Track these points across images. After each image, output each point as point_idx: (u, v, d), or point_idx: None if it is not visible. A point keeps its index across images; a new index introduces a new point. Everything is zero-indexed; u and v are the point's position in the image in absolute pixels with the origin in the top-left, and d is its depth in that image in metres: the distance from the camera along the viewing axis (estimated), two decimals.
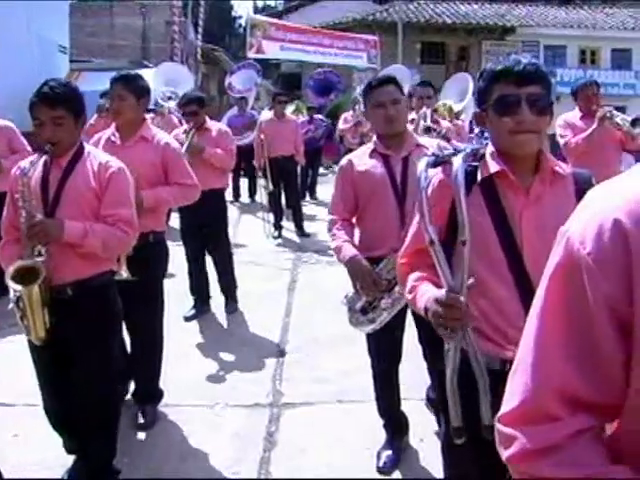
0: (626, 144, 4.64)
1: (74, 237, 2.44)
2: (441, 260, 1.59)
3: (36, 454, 2.95)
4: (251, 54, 13.78)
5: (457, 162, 1.63)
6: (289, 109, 10.52)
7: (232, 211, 7.55)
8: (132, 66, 10.19)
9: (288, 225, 7.85)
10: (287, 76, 23.41)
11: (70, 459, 2.80)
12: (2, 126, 5.00)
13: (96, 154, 2.64)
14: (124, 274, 2.94)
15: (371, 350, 2.92)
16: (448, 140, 4.02)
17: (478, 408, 1.67)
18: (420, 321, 2.43)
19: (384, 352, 2.88)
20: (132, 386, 3.46)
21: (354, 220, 2.88)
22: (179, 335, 4.27)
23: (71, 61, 10.71)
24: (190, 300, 4.97)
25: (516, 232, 1.69)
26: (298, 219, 7.79)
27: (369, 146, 2.88)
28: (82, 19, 16.40)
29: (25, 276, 2.36)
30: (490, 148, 1.76)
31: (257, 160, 7.49)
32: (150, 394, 3.41)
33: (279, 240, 7.47)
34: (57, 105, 2.44)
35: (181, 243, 4.96)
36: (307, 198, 10.03)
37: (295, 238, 7.60)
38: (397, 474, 2.87)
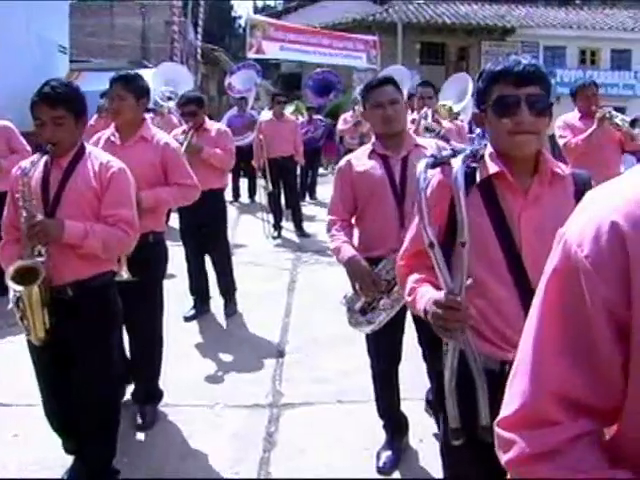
0: (625, 144, 4.64)
1: (74, 237, 2.43)
2: (440, 262, 1.58)
3: (36, 454, 2.95)
4: (251, 54, 13.79)
5: (457, 163, 1.63)
6: (289, 109, 10.53)
7: (232, 211, 7.56)
8: (132, 66, 10.18)
9: (288, 225, 7.86)
10: (287, 76, 23.42)
11: (70, 459, 2.80)
12: (1, 126, 5.01)
13: (97, 154, 2.64)
14: (125, 275, 2.95)
15: (371, 350, 2.92)
16: (447, 141, 4.02)
17: (476, 409, 1.67)
18: (419, 322, 2.43)
19: (384, 352, 2.88)
20: (131, 387, 3.45)
21: (353, 221, 2.88)
22: (179, 335, 4.27)
23: (71, 61, 10.72)
24: (190, 300, 4.97)
25: (515, 233, 1.69)
26: (297, 219, 7.79)
27: (368, 147, 2.88)
28: (82, 19, 16.39)
29: (25, 276, 2.35)
30: (489, 149, 1.75)
31: (256, 160, 7.49)
32: (150, 394, 3.41)
33: (279, 240, 7.47)
34: (58, 105, 2.44)
35: (181, 243, 4.96)
36: (307, 198, 10.03)
37: (295, 238, 7.60)
38: (397, 474, 2.87)
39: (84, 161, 2.56)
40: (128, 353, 3.38)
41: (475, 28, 21.11)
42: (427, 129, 4.68)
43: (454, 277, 1.60)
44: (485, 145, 1.79)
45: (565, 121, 4.76)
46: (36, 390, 2.68)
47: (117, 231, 2.54)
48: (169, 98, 7.97)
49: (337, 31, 17.44)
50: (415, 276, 1.80)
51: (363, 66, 16.12)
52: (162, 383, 3.46)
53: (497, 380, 1.37)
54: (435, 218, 1.65)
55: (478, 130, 7.02)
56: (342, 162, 2.91)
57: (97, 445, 2.62)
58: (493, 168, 1.71)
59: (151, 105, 6.55)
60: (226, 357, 4.19)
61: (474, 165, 1.74)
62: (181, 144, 4.17)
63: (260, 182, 7.91)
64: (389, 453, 2.92)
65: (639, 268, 0.74)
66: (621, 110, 7.06)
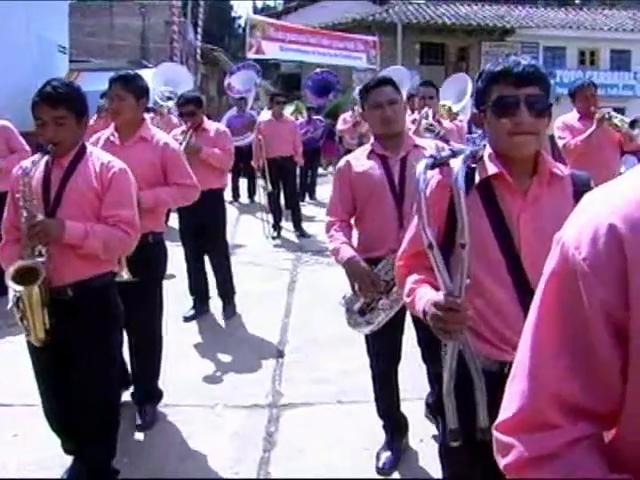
0: (624, 145, 4.64)
1: (75, 237, 2.43)
2: (439, 263, 1.58)
3: (35, 454, 2.95)
4: (250, 54, 13.80)
5: (457, 165, 1.63)
6: (289, 109, 10.54)
7: (231, 211, 7.56)
8: (131, 66, 10.18)
9: (287, 226, 7.86)
10: (286, 76, 23.42)
11: (69, 459, 2.80)
12: (0, 126, 5.00)
13: (98, 154, 2.63)
14: (125, 275, 2.95)
15: (370, 351, 2.92)
16: (447, 141, 4.02)
17: (475, 410, 1.67)
18: (418, 323, 2.43)
19: (383, 353, 2.88)
20: (131, 387, 3.45)
21: (352, 221, 2.88)
22: (178, 335, 4.28)
23: (70, 61, 10.72)
24: (189, 300, 4.97)
25: (514, 234, 1.68)
26: (297, 220, 7.79)
27: (367, 147, 2.88)
28: (81, 19, 16.40)
29: (25, 276, 2.35)
30: (488, 150, 1.75)
31: (255, 161, 7.50)
32: (149, 394, 3.41)
33: (278, 240, 7.48)
34: (59, 105, 2.43)
35: (180, 243, 4.96)
36: (306, 199, 10.04)
37: (294, 239, 7.61)
38: (396, 475, 2.88)
39: (85, 161, 2.56)
40: (127, 356, 3.37)
41: (475, 29, 21.12)
42: (428, 129, 4.68)
43: (453, 278, 1.59)
44: (484, 146, 1.79)
45: (564, 122, 4.75)
46: (35, 390, 2.68)
47: (118, 231, 2.54)
48: (168, 98, 7.98)
49: (337, 31, 17.44)
50: (414, 277, 1.80)
51: (363, 66, 16.13)
52: (162, 383, 3.46)
53: (496, 381, 1.36)
54: (434, 218, 1.65)
55: (480, 131, 7.01)
56: (341, 163, 2.91)
57: (97, 445, 2.62)
58: (492, 169, 1.70)
59: (150, 105, 6.56)
60: (226, 357, 4.19)
61: (473, 166, 1.74)
62: (180, 144, 4.17)
63: (259, 182, 7.92)
64: (389, 453, 2.92)
65: (636, 270, 0.74)
66: (620, 111, 7.06)
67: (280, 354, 4.22)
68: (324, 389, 3.65)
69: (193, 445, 3.13)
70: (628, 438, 0.81)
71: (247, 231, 7.78)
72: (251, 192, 9.82)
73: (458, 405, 1.67)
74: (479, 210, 1.69)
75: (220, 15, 36.89)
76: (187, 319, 4.83)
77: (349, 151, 5.70)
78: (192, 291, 5.01)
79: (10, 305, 2.46)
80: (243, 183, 9.93)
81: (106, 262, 2.61)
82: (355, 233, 2.89)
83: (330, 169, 12.89)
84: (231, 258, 5.25)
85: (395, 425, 3.00)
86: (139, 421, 3.29)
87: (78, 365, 2.53)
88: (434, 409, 2.85)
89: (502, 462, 0.86)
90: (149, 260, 3.22)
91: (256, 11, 37.26)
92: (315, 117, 10.65)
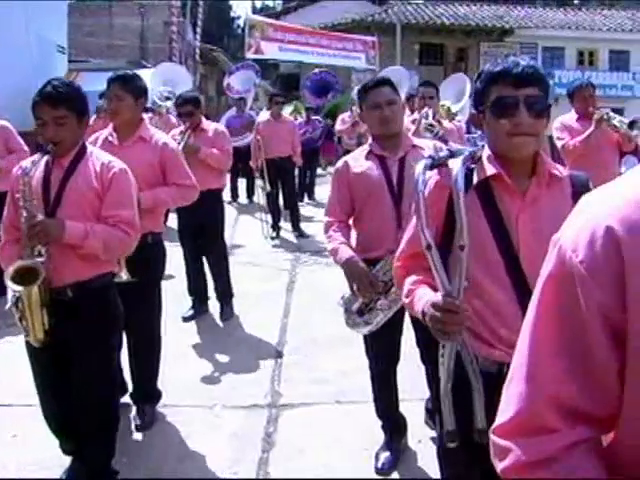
0: (623, 146, 4.64)
1: (75, 237, 2.43)
2: (438, 264, 1.58)
3: (35, 454, 2.95)
4: (249, 55, 13.81)
5: (457, 166, 1.63)
6: (287, 110, 10.54)
7: (230, 212, 7.56)
8: (130, 66, 10.20)
9: (286, 226, 7.86)
10: (286, 77, 23.42)
11: (68, 459, 2.80)
12: None
13: (98, 154, 2.63)
14: (124, 276, 2.94)
15: (369, 351, 2.92)
16: (445, 142, 4.02)
17: (472, 412, 1.68)
18: (417, 324, 2.43)
19: (382, 353, 2.89)
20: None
21: (351, 222, 2.88)
22: (177, 335, 4.28)
23: (69, 61, 10.72)
24: (188, 301, 4.97)
25: (513, 235, 1.68)
26: (295, 220, 7.79)
27: (365, 147, 2.87)
28: (80, 19, 16.40)
29: (25, 276, 2.35)
30: (487, 150, 1.75)
31: (254, 161, 7.50)
32: (148, 394, 3.41)
33: (277, 241, 7.48)
34: (59, 105, 2.43)
35: (179, 244, 4.96)
36: (305, 199, 10.04)
37: (293, 239, 7.61)
38: (395, 475, 2.88)
39: (85, 161, 2.56)
40: (124, 360, 3.36)
41: (474, 29, 21.13)
42: (427, 129, 4.68)
43: (452, 279, 1.59)
44: (483, 146, 1.79)
45: (562, 122, 4.75)
46: (35, 390, 2.68)
47: (118, 232, 2.53)
48: (167, 98, 7.98)
49: (336, 32, 17.46)
50: (413, 277, 1.80)
51: (362, 67, 16.15)
52: (160, 383, 3.46)
53: (495, 382, 1.37)
54: (432, 219, 1.65)
55: (480, 131, 7.01)
56: (339, 163, 2.91)
57: (96, 446, 2.61)
58: (490, 170, 1.70)
59: (149, 105, 6.55)
60: (224, 357, 4.19)
61: (472, 166, 1.74)
62: (178, 144, 4.17)
63: (258, 182, 7.91)
64: (388, 454, 2.92)
65: (634, 272, 0.74)
66: (619, 111, 7.07)
67: (279, 354, 4.22)
68: (323, 389, 3.65)
69: (192, 445, 3.13)
70: (626, 442, 0.81)
71: (246, 231, 7.78)
72: (250, 192, 9.82)
73: (455, 406, 1.67)
74: (477, 211, 1.69)
75: (219, 15, 36.89)
76: (186, 319, 4.83)
77: (348, 151, 5.69)
78: (191, 291, 5.01)
79: (9, 305, 2.46)
80: (242, 183, 9.93)
81: (106, 262, 2.61)
82: (353, 233, 2.89)
83: (329, 169, 12.89)
84: (230, 258, 5.25)
85: (394, 425, 3.00)
86: (138, 421, 3.29)
87: (77, 366, 2.52)
88: (432, 408, 2.85)
89: (499, 466, 0.86)
90: (148, 260, 3.22)
91: (255, 11, 37.28)
92: (314, 117, 10.65)
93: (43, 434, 2.79)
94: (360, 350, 2.98)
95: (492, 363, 1.72)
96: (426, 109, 4.89)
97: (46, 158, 2.51)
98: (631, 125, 4.50)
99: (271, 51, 14.61)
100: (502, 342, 1.69)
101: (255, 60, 13.46)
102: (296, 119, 9.82)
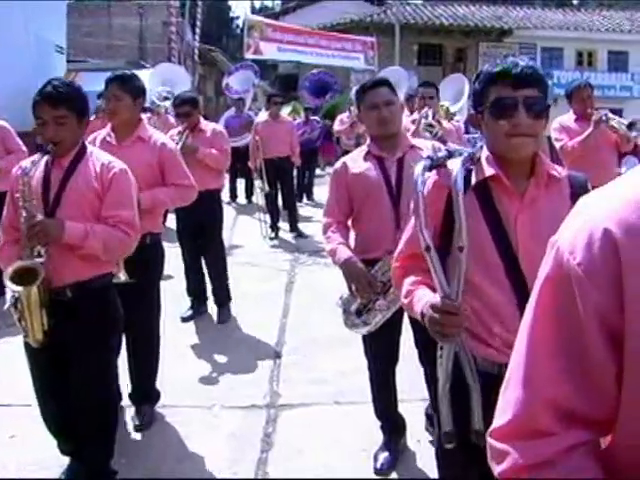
0: (621, 146, 4.64)
1: (75, 238, 2.42)
2: (436, 266, 1.58)
3: (35, 454, 2.95)
4: (248, 55, 13.81)
5: (456, 167, 1.62)
6: (286, 110, 10.54)
7: (229, 212, 7.56)
8: (129, 66, 10.20)
9: (285, 226, 7.86)
10: (284, 77, 23.42)
11: (68, 459, 2.80)
12: None
13: (98, 155, 2.62)
14: (122, 277, 2.93)
15: (368, 352, 2.92)
16: (444, 143, 4.02)
17: (470, 413, 1.68)
18: (416, 325, 2.43)
19: (381, 354, 2.89)
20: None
21: (349, 223, 2.88)
22: (176, 336, 4.28)
23: (68, 61, 10.72)
24: (187, 301, 4.97)
25: (511, 236, 1.68)
26: (293, 220, 7.78)
27: (363, 148, 2.87)
28: (79, 19, 16.40)
29: (24, 277, 2.34)
30: (485, 151, 1.75)
31: (252, 162, 7.51)
32: (147, 395, 3.41)
33: (276, 241, 7.47)
34: (59, 104, 2.43)
35: (178, 244, 4.96)
36: (304, 199, 10.04)
37: (292, 239, 7.60)
38: (394, 475, 2.88)
39: (85, 161, 2.55)
40: (122, 362, 3.35)
41: (472, 29, 21.14)
42: (426, 129, 4.68)
43: (450, 281, 1.59)
44: (481, 147, 1.79)
45: (561, 123, 4.75)
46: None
47: (118, 232, 2.53)
48: (165, 98, 7.98)
49: (335, 32, 17.46)
50: (411, 278, 1.80)
51: (361, 67, 16.15)
52: (159, 384, 3.46)
53: (493, 382, 1.37)
54: (430, 218, 1.64)
55: (479, 134, 7.01)
56: (338, 164, 2.91)
57: (95, 446, 2.61)
58: (489, 171, 1.70)
59: (147, 105, 6.55)
60: (223, 358, 4.19)
61: (470, 167, 1.74)
62: (176, 144, 4.17)
63: (257, 183, 7.91)
64: (386, 454, 2.93)
65: (631, 273, 0.74)
66: (618, 112, 7.08)
67: (277, 355, 4.22)
68: (322, 390, 3.65)
69: (191, 446, 3.13)
70: (624, 443, 0.80)
71: (245, 232, 7.78)
72: (249, 193, 9.81)
73: (453, 407, 1.67)
74: (476, 212, 1.69)
75: (218, 15, 36.90)
76: (185, 320, 4.83)
77: (346, 152, 5.69)
78: (190, 292, 5.00)
79: (7, 305, 2.46)
80: (241, 184, 9.93)
81: (105, 263, 2.60)
82: (352, 234, 2.89)
83: (328, 170, 12.89)
84: (229, 259, 5.25)
85: (393, 426, 3.01)
86: (137, 422, 3.28)
87: (76, 367, 2.51)
88: (431, 407, 2.85)
89: (497, 469, 0.85)
90: (147, 261, 3.22)
91: (254, 11, 37.31)
92: (312, 118, 10.65)
93: (42, 434, 2.79)
94: (359, 350, 2.98)
95: (490, 364, 1.72)
96: (426, 109, 4.89)
97: (46, 158, 2.50)
98: (630, 126, 4.50)
99: (270, 51, 14.61)
100: (500, 343, 1.69)
101: (254, 60, 13.47)
102: (295, 119, 9.82)
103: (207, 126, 4.91)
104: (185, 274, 4.98)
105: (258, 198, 8.13)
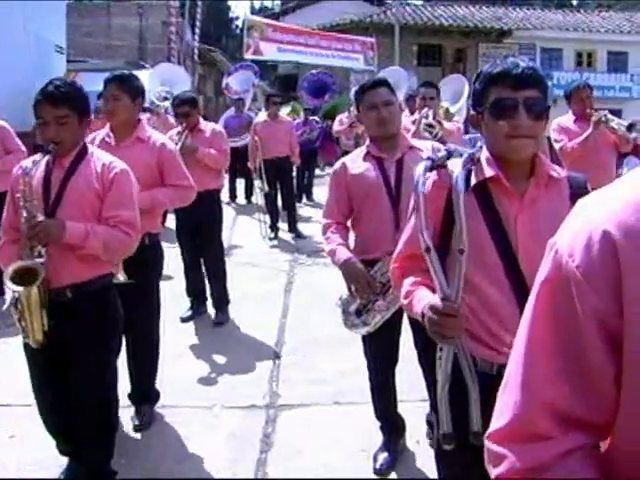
0: (620, 147, 4.64)
1: (75, 238, 2.42)
2: (436, 267, 1.58)
3: (34, 454, 2.95)
4: (248, 55, 13.81)
5: (457, 169, 1.62)
6: (285, 110, 10.54)
7: (228, 212, 7.55)
8: (129, 67, 10.19)
9: (284, 226, 7.86)
10: (284, 77, 23.42)
11: (67, 460, 2.79)
12: None
13: (99, 155, 2.62)
14: (121, 277, 2.93)
15: (367, 352, 2.92)
16: (444, 143, 4.02)
17: (469, 414, 1.68)
18: (415, 325, 2.43)
19: (380, 354, 2.89)
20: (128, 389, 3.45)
21: (349, 223, 2.88)
22: (176, 336, 4.28)
23: (68, 61, 10.72)
24: (186, 301, 4.97)
25: (511, 236, 1.68)
26: (292, 221, 7.78)
27: (363, 149, 2.87)
28: (79, 19, 16.39)
29: (24, 277, 2.34)
30: (485, 152, 1.74)
31: (251, 162, 7.51)
32: (147, 395, 3.41)
33: (275, 241, 7.47)
34: (61, 104, 2.42)
35: (178, 244, 4.96)
36: (304, 200, 10.04)
37: (291, 239, 7.61)
38: (393, 475, 2.88)
39: (86, 161, 2.55)
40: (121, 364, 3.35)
41: (472, 30, 21.15)
42: (427, 129, 4.68)
43: (450, 283, 1.59)
44: (481, 147, 1.78)
45: (560, 124, 4.75)
46: None
47: (118, 232, 2.52)
48: (165, 98, 7.98)
49: (334, 32, 17.45)
50: (411, 279, 1.79)
51: (360, 67, 16.15)
52: (159, 384, 3.46)
53: (492, 383, 1.37)
54: (429, 216, 1.64)
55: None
56: (337, 165, 2.91)
57: (95, 447, 2.61)
58: (489, 172, 1.70)
59: (147, 105, 6.55)
60: (223, 358, 4.19)
61: (470, 168, 1.74)
62: (175, 144, 4.17)
63: (256, 183, 7.91)
64: (386, 455, 2.93)
65: (630, 275, 0.73)
66: (617, 113, 7.08)
67: (277, 355, 4.22)
68: (321, 390, 3.65)
69: (190, 446, 3.13)
70: (622, 447, 0.80)
71: (244, 232, 7.78)
72: (248, 193, 9.81)
73: (452, 408, 1.67)
74: (476, 213, 1.69)
75: (218, 16, 36.90)
76: (184, 320, 4.83)
77: (346, 152, 5.69)
78: (189, 292, 5.00)
79: (6, 305, 2.45)
80: (240, 184, 9.93)
81: (105, 264, 2.60)
82: (352, 235, 2.89)
83: (327, 170, 12.89)
84: (228, 259, 5.25)
85: (392, 426, 3.01)
86: (136, 422, 3.28)
87: (76, 368, 2.51)
88: (431, 408, 2.85)
89: (494, 472, 0.85)
90: (146, 261, 3.21)
91: (254, 12, 37.32)
92: (311, 118, 10.65)
93: (42, 434, 2.79)
94: (359, 351, 2.98)
95: (489, 364, 1.72)
96: (426, 109, 4.89)
97: (47, 158, 2.50)
98: (629, 128, 4.50)
99: (270, 52, 14.60)
100: (500, 343, 1.69)
101: (253, 61, 13.47)
102: (294, 119, 9.83)
103: (206, 126, 4.92)
104: (185, 274, 4.98)
105: (258, 198, 8.14)
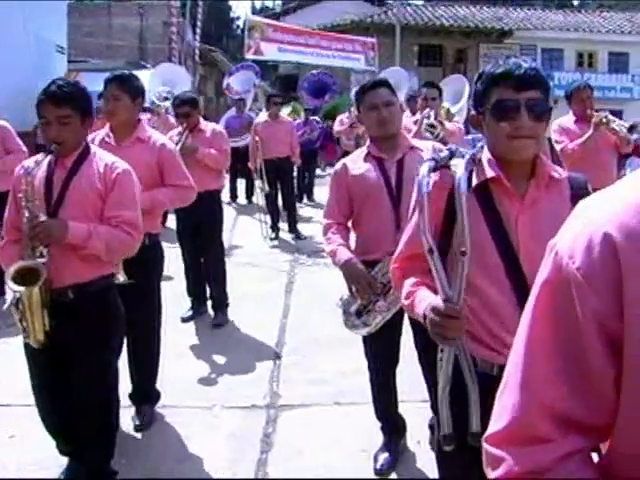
0: (621, 148, 4.64)
1: (78, 238, 2.42)
2: (439, 268, 1.57)
3: (35, 454, 2.95)
4: (249, 55, 13.82)
5: (460, 170, 1.62)
6: (285, 110, 10.54)
7: (229, 212, 7.56)
8: (129, 67, 10.19)
9: (285, 227, 7.86)
10: (284, 77, 23.43)
11: (67, 459, 2.79)
12: None
13: (102, 155, 2.62)
14: (121, 278, 2.93)
15: (368, 352, 2.92)
16: (445, 144, 4.02)
17: (469, 415, 1.67)
18: (416, 326, 2.43)
19: (381, 354, 2.89)
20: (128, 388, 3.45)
21: (350, 224, 2.88)
22: (176, 336, 4.28)
23: (69, 61, 10.73)
24: (187, 301, 4.97)
25: (512, 237, 1.68)
26: (292, 221, 7.78)
27: (363, 149, 2.87)
28: (80, 19, 16.41)
29: (26, 277, 2.33)
30: (486, 152, 1.74)
31: (252, 162, 7.51)
32: (147, 395, 3.41)
33: (276, 242, 7.48)
34: (63, 104, 2.42)
35: (178, 245, 4.96)
36: (304, 200, 10.05)
37: (292, 240, 7.61)
38: (394, 476, 2.88)
39: (89, 162, 2.55)
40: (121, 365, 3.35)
41: (473, 30, 21.16)
42: (428, 130, 4.67)
43: (452, 284, 1.59)
44: (482, 147, 1.78)
45: (560, 125, 4.74)
46: None
47: (120, 233, 2.52)
48: (166, 98, 7.98)
49: (335, 33, 17.46)
50: (412, 279, 1.79)
51: (361, 68, 16.16)
52: (159, 384, 3.46)
53: (492, 384, 1.37)
54: (431, 216, 1.64)
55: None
56: (338, 165, 2.91)
57: (96, 447, 2.60)
58: (490, 172, 1.70)
59: (148, 105, 6.54)
60: (223, 358, 4.19)
61: (471, 168, 1.74)
62: (176, 145, 4.17)
63: (257, 183, 7.91)
64: (386, 455, 2.92)
65: (630, 277, 0.73)
66: (618, 113, 7.08)
67: (277, 355, 4.22)
68: (322, 390, 3.65)
69: (191, 446, 3.13)
70: (621, 450, 0.80)
71: (245, 232, 7.78)
72: (249, 193, 9.82)
73: (453, 409, 1.67)
74: (477, 213, 1.69)
75: (219, 16, 36.91)
76: (185, 320, 4.83)
77: (346, 152, 5.68)
78: (190, 292, 5.00)
79: (7, 305, 2.45)
80: (241, 184, 9.93)
81: (107, 264, 2.60)
82: (352, 235, 2.89)
83: (328, 170, 12.89)
84: (229, 259, 5.25)
85: (393, 427, 3.01)
86: (137, 422, 3.28)
87: (77, 368, 2.51)
88: (431, 409, 2.85)
89: (492, 475, 0.85)
90: (146, 262, 3.20)
91: (255, 12, 37.31)
92: (312, 118, 10.66)
93: (42, 434, 2.79)
94: (359, 351, 2.98)
95: (490, 365, 1.72)
96: (428, 110, 4.88)
97: (49, 158, 2.49)
98: (630, 129, 4.50)
99: (270, 52, 14.61)
100: (500, 344, 1.68)
101: (254, 61, 13.47)
102: (295, 120, 9.83)
103: (207, 126, 4.92)
104: (185, 274, 4.98)
105: (258, 198, 8.14)
